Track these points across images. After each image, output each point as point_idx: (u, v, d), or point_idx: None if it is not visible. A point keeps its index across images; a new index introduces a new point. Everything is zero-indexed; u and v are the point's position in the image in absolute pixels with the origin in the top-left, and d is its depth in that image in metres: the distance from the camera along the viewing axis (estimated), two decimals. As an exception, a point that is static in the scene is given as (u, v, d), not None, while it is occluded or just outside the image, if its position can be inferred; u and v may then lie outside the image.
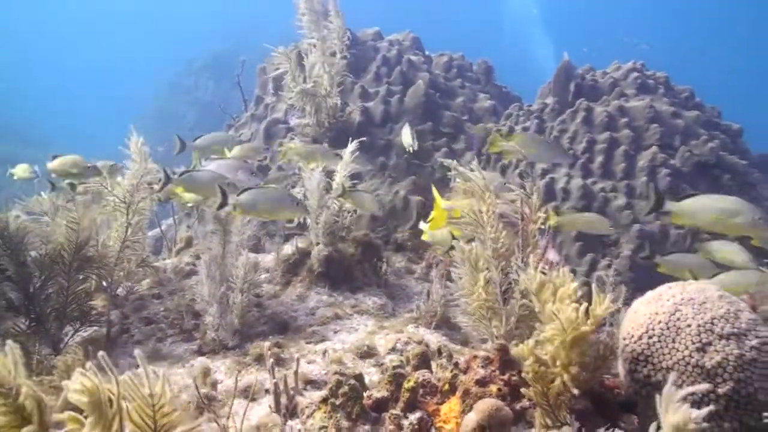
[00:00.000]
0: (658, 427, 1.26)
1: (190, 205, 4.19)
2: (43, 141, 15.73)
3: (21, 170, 4.61)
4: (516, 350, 1.79)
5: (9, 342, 1.25)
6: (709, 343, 1.68)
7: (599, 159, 4.85)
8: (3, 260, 2.91)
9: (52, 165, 3.78)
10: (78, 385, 1.15)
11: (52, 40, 33.55)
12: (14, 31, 32.52)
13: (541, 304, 1.87)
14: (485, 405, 1.73)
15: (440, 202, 2.80)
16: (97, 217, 3.23)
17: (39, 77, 29.13)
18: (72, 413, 1.17)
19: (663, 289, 1.90)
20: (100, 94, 27.72)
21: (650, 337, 1.79)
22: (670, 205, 2.89)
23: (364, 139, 4.60)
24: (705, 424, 1.22)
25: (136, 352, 1.21)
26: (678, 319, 1.76)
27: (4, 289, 2.92)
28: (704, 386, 1.58)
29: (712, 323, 1.71)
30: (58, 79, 29.51)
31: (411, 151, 4.85)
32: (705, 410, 1.23)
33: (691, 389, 1.36)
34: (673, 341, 1.74)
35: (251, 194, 3.07)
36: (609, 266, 4.17)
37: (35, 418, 1.22)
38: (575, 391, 1.68)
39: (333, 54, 5.43)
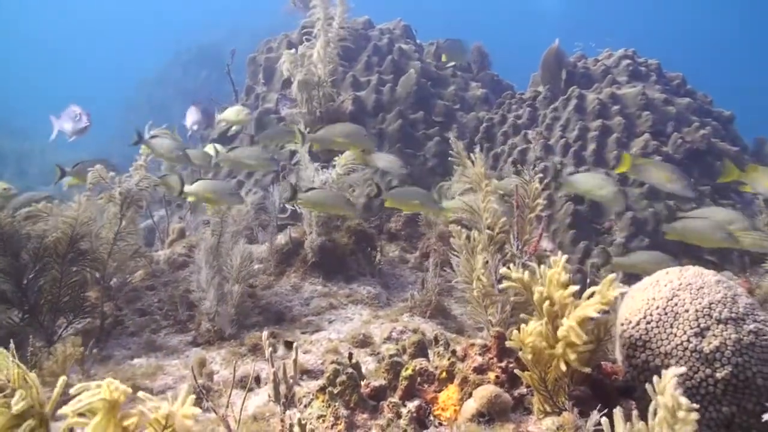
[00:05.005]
0: (656, 410, 1.26)
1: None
2: (26, 132, 15.64)
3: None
4: (515, 335, 1.78)
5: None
6: (707, 328, 1.69)
7: (592, 147, 4.84)
8: None
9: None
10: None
11: (34, 28, 33.16)
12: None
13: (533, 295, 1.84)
14: (485, 392, 1.73)
15: None
16: (93, 211, 3.20)
17: (23, 68, 28.77)
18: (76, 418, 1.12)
19: (660, 275, 1.90)
20: (85, 85, 27.38)
21: (648, 323, 1.79)
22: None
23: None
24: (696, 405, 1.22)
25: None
26: (676, 304, 1.77)
27: None
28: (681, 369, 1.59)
29: (710, 308, 1.71)
30: (40, 70, 29.11)
31: None
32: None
33: (682, 369, 1.36)
34: (671, 326, 1.74)
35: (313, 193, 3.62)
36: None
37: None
38: (587, 370, 1.67)
39: (328, 43, 5.37)
